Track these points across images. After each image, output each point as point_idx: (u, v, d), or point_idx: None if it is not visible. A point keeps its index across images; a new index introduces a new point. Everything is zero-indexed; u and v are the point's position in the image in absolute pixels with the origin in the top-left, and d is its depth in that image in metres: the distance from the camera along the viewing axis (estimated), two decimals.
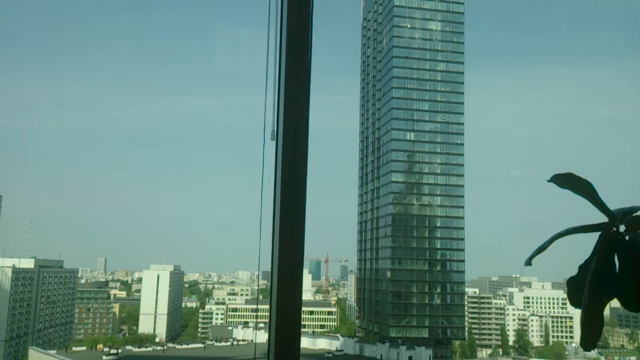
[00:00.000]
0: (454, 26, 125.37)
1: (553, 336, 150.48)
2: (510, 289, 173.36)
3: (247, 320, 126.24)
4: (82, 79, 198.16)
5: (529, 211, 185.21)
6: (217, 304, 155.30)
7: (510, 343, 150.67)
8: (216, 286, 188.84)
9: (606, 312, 1.99)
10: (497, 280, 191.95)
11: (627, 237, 1.95)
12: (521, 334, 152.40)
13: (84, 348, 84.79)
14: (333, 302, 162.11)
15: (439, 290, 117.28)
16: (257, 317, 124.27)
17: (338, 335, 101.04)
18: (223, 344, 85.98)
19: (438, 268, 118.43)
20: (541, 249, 2.04)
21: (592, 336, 1.91)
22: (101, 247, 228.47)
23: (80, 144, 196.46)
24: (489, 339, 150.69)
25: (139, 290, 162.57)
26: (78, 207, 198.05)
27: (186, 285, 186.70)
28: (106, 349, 78.62)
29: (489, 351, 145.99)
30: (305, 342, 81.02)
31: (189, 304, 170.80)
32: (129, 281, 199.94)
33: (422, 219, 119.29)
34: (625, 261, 1.89)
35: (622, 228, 1.97)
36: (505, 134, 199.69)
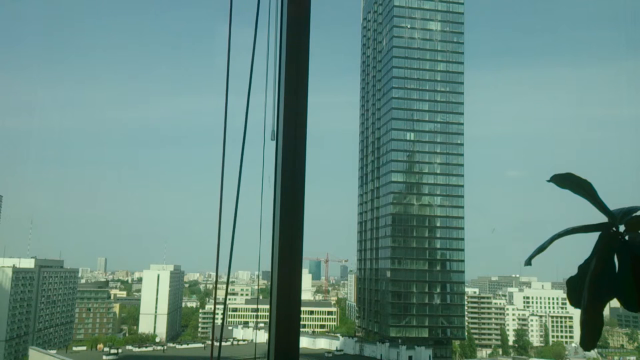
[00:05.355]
0: (454, 26, 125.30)
1: (553, 336, 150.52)
2: (510, 289, 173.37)
3: (247, 320, 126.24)
4: (82, 79, 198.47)
5: (529, 211, 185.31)
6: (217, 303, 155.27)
7: (510, 343, 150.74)
8: None
9: (606, 312, 1.99)
10: (497, 280, 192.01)
11: (627, 237, 1.95)
12: (521, 333, 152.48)
13: (84, 348, 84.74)
14: (333, 302, 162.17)
15: (438, 290, 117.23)
16: (257, 317, 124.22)
17: (338, 335, 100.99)
18: (223, 343, 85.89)
19: (438, 268, 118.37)
20: (541, 249, 2.05)
21: (592, 336, 1.92)
22: (101, 247, 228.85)
23: (80, 144, 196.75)
24: (489, 339, 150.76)
25: (139, 290, 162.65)
26: (78, 207, 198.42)
27: (186, 285, 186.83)
28: (106, 349, 78.65)
29: (489, 351, 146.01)
30: (305, 342, 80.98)
31: (189, 304, 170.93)
32: (129, 281, 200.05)
33: (422, 219, 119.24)
34: (625, 261, 1.90)
35: (622, 228, 1.97)
36: (505, 134, 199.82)
